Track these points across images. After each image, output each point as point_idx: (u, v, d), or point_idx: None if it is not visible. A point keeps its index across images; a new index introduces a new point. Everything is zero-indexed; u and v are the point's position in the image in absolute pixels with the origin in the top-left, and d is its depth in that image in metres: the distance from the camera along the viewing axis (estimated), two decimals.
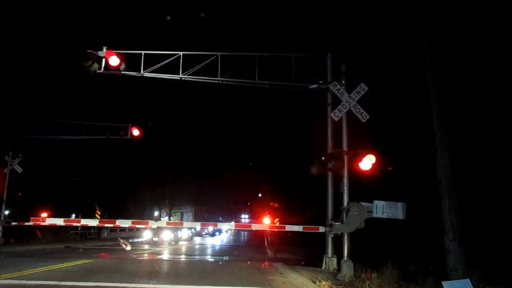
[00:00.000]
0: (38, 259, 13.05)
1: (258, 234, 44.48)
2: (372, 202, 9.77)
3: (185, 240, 31.75)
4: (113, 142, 21.51)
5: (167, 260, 15.12)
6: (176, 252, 20.34)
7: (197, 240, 36.19)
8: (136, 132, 19.20)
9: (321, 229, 10.30)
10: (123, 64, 11.97)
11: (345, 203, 10.21)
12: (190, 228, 35.22)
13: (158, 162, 39.02)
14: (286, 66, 12.00)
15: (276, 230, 10.13)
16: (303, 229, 10.41)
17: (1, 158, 20.29)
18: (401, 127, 15.35)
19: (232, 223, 23.82)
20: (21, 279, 8.49)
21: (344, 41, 13.89)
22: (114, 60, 11.56)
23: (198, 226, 24.32)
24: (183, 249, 23.33)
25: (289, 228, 10.52)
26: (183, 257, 17.15)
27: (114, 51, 11.68)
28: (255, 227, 10.56)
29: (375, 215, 9.57)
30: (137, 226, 37.23)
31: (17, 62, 21.47)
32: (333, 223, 10.44)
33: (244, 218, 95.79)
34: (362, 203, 9.91)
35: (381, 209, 9.51)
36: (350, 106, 10.15)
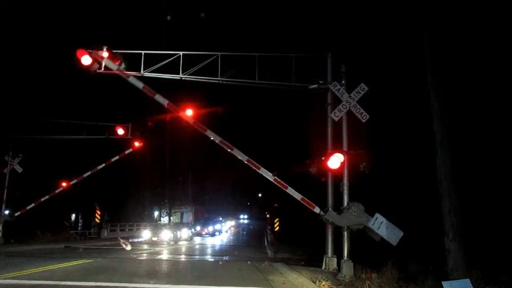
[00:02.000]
0: (38, 259, 13.05)
1: (258, 234, 44.44)
2: (373, 208, 9.72)
3: (185, 240, 31.73)
4: (113, 142, 21.53)
5: (167, 260, 15.12)
6: (176, 252, 20.34)
7: (197, 240, 36.20)
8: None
9: (316, 209, 10.38)
10: (122, 64, 11.97)
11: (345, 203, 10.20)
12: (189, 228, 35.19)
13: (158, 162, 39.02)
14: (286, 66, 12.01)
15: (278, 185, 10.26)
16: (301, 199, 10.59)
17: (1, 158, 20.32)
18: (401, 127, 15.36)
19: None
20: (21, 278, 8.49)
21: (344, 41, 13.89)
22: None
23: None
24: (183, 249, 23.33)
25: (290, 191, 10.69)
26: (183, 257, 17.15)
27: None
28: (263, 171, 10.96)
29: (370, 226, 9.46)
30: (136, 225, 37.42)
31: (17, 62, 21.48)
32: (330, 210, 10.42)
33: (243, 218, 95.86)
34: (362, 207, 9.85)
35: (379, 224, 9.37)
36: (350, 106, 10.15)
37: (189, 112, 12.46)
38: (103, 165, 21.00)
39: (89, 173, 20.76)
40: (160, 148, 37.31)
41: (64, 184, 20.52)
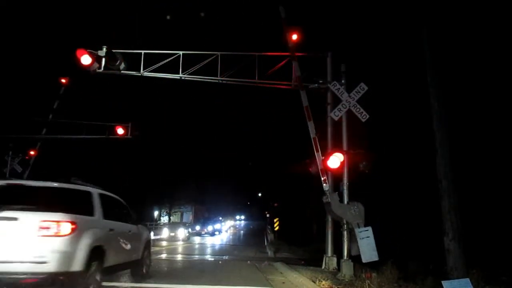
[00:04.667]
0: None
1: (258, 234, 44.47)
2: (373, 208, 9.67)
3: (182, 240, 31.48)
4: (113, 142, 21.55)
5: (166, 259, 15.11)
6: (175, 252, 20.34)
7: (197, 239, 36.19)
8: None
9: (326, 187, 10.39)
10: (122, 63, 11.98)
11: (345, 203, 10.21)
12: (186, 228, 35.04)
13: (158, 162, 39.06)
14: (286, 66, 12.00)
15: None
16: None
17: (1, 158, 20.34)
18: (401, 127, 15.37)
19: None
20: None
21: (344, 41, 13.91)
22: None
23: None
24: (183, 249, 23.32)
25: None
26: (183, 257, 17.15)
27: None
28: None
29: (356, 231, 9.41)
30: None
31: (17, 62, 21.50)
32: (330, 194, 10.37)
33: (240, 219, 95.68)
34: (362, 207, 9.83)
35: (364, 235, 9.22)
36: (350, 106, 10.16)
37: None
38: None
39: None
40: (160, 147, 37.40)
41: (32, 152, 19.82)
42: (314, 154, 10.74)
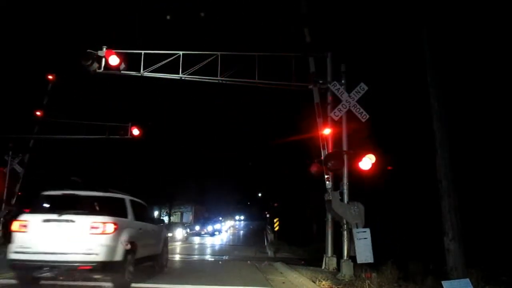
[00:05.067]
0: None
1: (258, 234, 44.46)
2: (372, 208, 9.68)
3: (180, 240, 31.30)
4: (113, 142, 21.54)
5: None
6: (174, 252, 20.33)
7: (196, 239, 36.18)
8: (136, 131, 19.20)
9: (328, 184, 10.65)
10: (123, 63, 11.98)
11: (345, 203, 10.21)
12: (185, 228, 34.79)
13: (158, 162, 39.05)
14: (286, 66, 12.00)
15: None
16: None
17: (1, 157, 20.31)
18: (401, 127, 15.37)
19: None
20: None
21: (344, 41, 13.91)
22: (114, 60, 11.58)
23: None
24: (182, 249, 23.31)
25: None
26: (182, 257, 17.14)
27: (113, 51, 11.69)
28: None
29: (354, 231, 9.44)
30: None
31: (17, 62, 21.49)
32: (331, 192, 10.45)
33: (240, 219, 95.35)
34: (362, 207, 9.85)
35: (362, 236, 9.26)
36: (350, 106, 10.15)
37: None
38: None
39: None
40: (160, 147, 37.39)
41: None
42: (314, 154, 10.76)
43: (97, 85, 20.96)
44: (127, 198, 8.61)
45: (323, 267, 11.25)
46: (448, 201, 7.99)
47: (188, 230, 37.93)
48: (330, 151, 11.08)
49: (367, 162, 9.93)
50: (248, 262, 13.94)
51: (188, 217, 58.89)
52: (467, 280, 6.23)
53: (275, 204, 41.95)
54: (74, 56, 11.54)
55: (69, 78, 21.26)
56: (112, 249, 7.22)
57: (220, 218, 65.88)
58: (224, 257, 17.24)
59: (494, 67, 13.04)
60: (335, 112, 10.33)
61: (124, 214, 8.08)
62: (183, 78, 12.41)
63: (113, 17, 23.58)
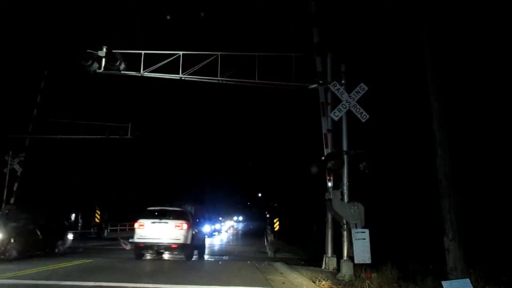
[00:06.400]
0: (38, 258, 13.05)
1: (258, 234, 44.45)
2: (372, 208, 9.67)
3: None
4: (113, 142, 21.55)
5: (166, 260, 15.11)
6: None
7: None
8: (135, 132, 19.25)
9: (329, 184, 10.77)
10: (122, 63, 11.98)
11: (345, 203, 10.20)
12: None
13: (158, 162, 39.04)
14: (286, 66, 12.01)
15: None
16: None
17: (1, 157, 20.32)
18: (401, 127, 15.37)
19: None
20: (21, 278, 8.49)
21: (344, 41, 13.90)
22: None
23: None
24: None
25: None
26: (181, 257, 17.11)
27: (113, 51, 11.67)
28: None
29: (353, 231, 9.45)
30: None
31: (17, 62, 21.48)
32: (332, 191, 10.48)
33: (240, 219, 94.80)
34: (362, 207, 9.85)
35: (360, 237, 9.25)
36: (350, 106, 10.15)
37: None
38: None
39: None
40: (160, 147, 37.38)
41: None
42: (314, 154, 10.76)
43: (97, 85, 20.94)
44: (188, 211, 16.46)
45: (323, 267, 11.25)
46: (448, 201, 7.98)
47: None
48: (330, 150, 11.08)
49: (366, 163, 9.93)
50: (248, 262, 13.93)
51: None
52: (467, 280, 6.22)
53: (275, 204, 41.96)
54: (74, 56, 11.53)
55: (69, 78, 21.27)
56: (186, 237, 13.62)
57: (220, 218, 65.83)
58: (224, 257, 17.22)
59: (494, 66, 13.04)
60: (335, 112, 10.33)
61: (188, 219, 14.24)
62: (183, 78, 12.42)
63: (113, 17, 23.57)
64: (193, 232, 14.19)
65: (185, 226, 13.53)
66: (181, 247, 13.61)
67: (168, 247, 13.80)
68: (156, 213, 14.26)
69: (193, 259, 14.71)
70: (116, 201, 33.24)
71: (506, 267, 9.23)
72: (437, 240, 8.39)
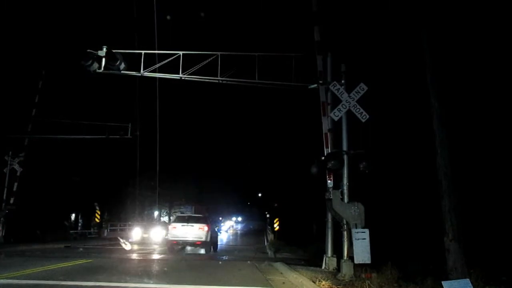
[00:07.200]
0: (38, 258, 13.05)
1: (258, 234, 44.43)
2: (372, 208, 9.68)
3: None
4: (113, 142, 21.54)
5: (167, 259, 15.10)
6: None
7: None
8: (135, 132, 19.26)
9: (330, 183, 10.69)
10: (122, 63, 11.98)
11: (346, 203, 10.21)
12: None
13: (158, 162, 38.95)
14: (286, 66, 12.01)
15: None
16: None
17: (1, 157, 20.33)
18: (401, 126, 15.36)
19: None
20: (21, 278, 8.49)
21: (344, 41, 13.90)
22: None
23: None
24: (182, 249, 23.26)
25: None
26: (182, 257, 17.12)
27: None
28: None
29: (353, 231, 9.49)
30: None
31: (17, 62, 21.47)
32: (332, 191, 10.48)
33: (239, 219, 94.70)
34: (362, 207, 9.85)
35: (360, 237, 9.30)
36: (349, 106, 10.15)
37: None
38: None
39: None
40: (160, 147, 37.31)
41: None
42: (314, 154, 10.76)
43: (97, 85, 20.94)
44: (206, 217, 21.09)
45: (323, 267, 11.25)
46: (448, 201, 7.99)
47: None
48: (330, 150, 11.08)
49: (366, 162, 9.94)
50: (248, 262, 13.92)
51: None
52: (467, 280, 6.23)
53: (275, 204, 41.95)
54: (74, 56, 11.53)
55: (69, 78, 21.27)
56: (206, 236, 18.32)
57: (220, 218, 65.80)
58: (224, 257, 17.22)
59: (494, 66, 13.04)
60: (335, 112, 10.34)
61: (208, 223, 19.01)
62: (183, 78, 12.42)
63: (113, 17, 23.57)
64: (211, 232, 18.88)
65: (206, 228, 18.40)
66: (203, 243, 18.47)
67: (193, 243, 18.57)
68: (185, 218, 19.73)
69: (210, 252, 19.19)
70: (116, 201, 33.24)
71: (506, 267, 9.22)
72: (437, 240, 8.40)
